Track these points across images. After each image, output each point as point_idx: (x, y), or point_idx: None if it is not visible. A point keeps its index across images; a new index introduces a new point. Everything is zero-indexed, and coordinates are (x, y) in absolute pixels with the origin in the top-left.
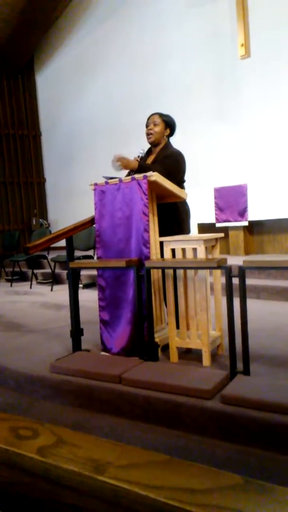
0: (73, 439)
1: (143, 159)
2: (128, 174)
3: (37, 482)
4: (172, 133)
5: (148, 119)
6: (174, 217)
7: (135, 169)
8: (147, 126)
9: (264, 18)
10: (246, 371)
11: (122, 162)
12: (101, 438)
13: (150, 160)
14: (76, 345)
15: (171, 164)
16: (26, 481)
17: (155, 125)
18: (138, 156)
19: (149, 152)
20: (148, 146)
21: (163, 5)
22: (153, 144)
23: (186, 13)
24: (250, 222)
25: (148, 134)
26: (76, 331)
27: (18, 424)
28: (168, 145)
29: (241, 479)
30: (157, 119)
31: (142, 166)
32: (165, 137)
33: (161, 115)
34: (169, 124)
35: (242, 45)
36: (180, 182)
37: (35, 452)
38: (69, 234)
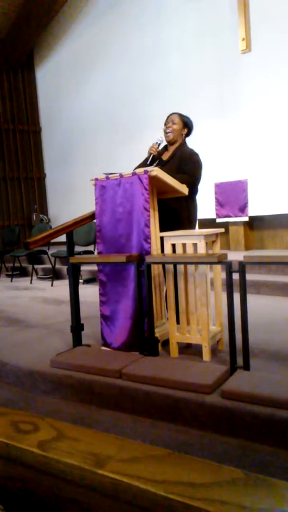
0: (73, 433)
1: (159, 153)
2: (151, 163)
3: (37, 476)
4: (189, 133)
5: (168, 118)
6: (184, 212)
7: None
8: (165, 124)
9: (265, 12)
10: (246, 366)
11: None
12: (101, 432)
13: (166, 156)
14: (77, 340)
15: (195, 171)
16: (26, 475)
17: (173, 123)
18: (156, 143)
19: (164, 148)
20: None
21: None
22: (171, 143)
23: (186, 7)
24: (251, 218)
25: (166, 132)
26: (77, 326)
27: (18, 419)
28: (184, 143)
29: (242, 473)
30: (176, 119)
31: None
32: (182, 135)
33: (180, 115)
34: (187, 125)
35: (243, 39)
36: (197, 185)
37: (35, 446)
38: (69, 229)
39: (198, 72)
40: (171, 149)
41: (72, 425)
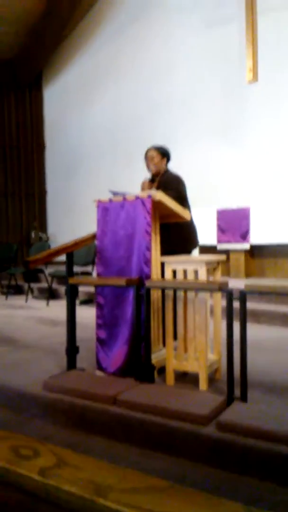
0: (74, 461)
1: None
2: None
3: (37, 504)
4: (168, 160)
5: (146, 154)
6: (184, 235)
7: None
8: (146, 159)
9: (273, 44)
10: (244, 398)
11: None
12: (102, 461)
13: (153, 186)
14: (71, 363)
15: (177, 186)
16: (26, 502)
17: (152, 158)
18: (148, 180)
19: (152, 179)
20: None
21: (173, 26)
22: (155, 175)
23: (195, 35)
24: (252, 246)
25: (148, 167)
26: (72, 349)
27: (19, 443)
28: (167, 170)
29: (242, 508)
30: (154, 153)
31: None
32: (163, 165)
33: (156, 149)
34: (165, 154)
35: (250, 69)
36: (184, 200)
37: (36, 473)
38: (70, 249)
39: (204, 98)
40: (157, 179)
41: (73, 452)
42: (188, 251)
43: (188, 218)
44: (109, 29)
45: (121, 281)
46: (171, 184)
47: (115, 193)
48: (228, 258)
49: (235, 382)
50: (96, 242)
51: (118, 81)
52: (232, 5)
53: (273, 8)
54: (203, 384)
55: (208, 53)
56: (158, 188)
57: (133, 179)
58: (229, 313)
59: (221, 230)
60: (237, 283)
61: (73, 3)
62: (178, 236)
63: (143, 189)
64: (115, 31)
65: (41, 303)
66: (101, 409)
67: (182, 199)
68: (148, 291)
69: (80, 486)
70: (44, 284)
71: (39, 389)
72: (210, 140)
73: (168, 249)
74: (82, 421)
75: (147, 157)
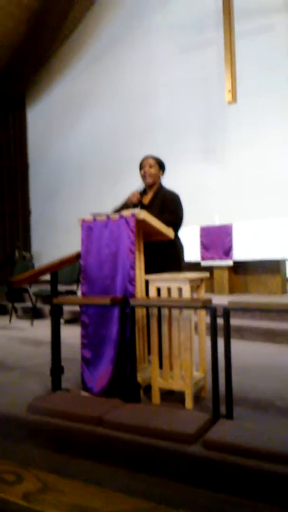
0: (59, 485)
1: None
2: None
3: None
4: (163, 173)
5: (143, 161)
6: (172, 254)
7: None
8: (142, 168)
9: (251, 66)
10: (229, 415)
11: None
12: (87, 484)
13: (147, 199)
14: (56, 384)
15: (175, 209)
16: None
17: (151, 166)
18: (138, 192)
19: (143, 192)
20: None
21: (155, 48)
22: (150, 185)
23: (176, 57)
24: (235, 262)
25: (144, 176)
26: (57, 370)
27: (1, 468)
28: (162, 185)
29: None
30: (152, 161)
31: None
32: (159, 177)
33: (155, 158)
34: (162, 166)
35: (229, 91)
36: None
37: (20, 498)
38: (54, 269)
39: (185, 119)
40: (150, 192)
41: (57, 477)
42: (179, 270)
43: (172, 237)
44: (92, 52)
45: (106, 300)
46: (172, 206)
47: (97, 215)
48: (211, 274)
49: (220, 399)
50: (80, 261)
51: (101, 103)
52: (211, 29)
53: (250, 31)
54: (188, 403)
55: (188, 75)
56: (152, 202)
57: (116, 199)
58: (213, 330)
59: (205, 247)
60: (221, 300)
61: (56, 24)
62: (171, 256)
63: (129, 199)
64: (97, 53)
65: (25, 323)
66: (87, 430)
67: (177, 225)
68: (132, 309)
69: (64, 511)
70: (28, 304)
71: (23, 411)
72: (192, 159)
73: (160, 268)
74: (67, 443)
75: (144, 165)
